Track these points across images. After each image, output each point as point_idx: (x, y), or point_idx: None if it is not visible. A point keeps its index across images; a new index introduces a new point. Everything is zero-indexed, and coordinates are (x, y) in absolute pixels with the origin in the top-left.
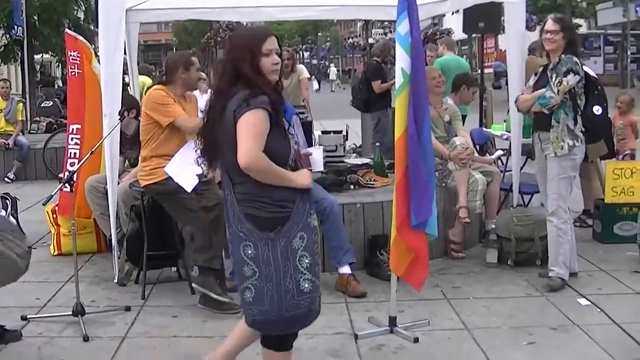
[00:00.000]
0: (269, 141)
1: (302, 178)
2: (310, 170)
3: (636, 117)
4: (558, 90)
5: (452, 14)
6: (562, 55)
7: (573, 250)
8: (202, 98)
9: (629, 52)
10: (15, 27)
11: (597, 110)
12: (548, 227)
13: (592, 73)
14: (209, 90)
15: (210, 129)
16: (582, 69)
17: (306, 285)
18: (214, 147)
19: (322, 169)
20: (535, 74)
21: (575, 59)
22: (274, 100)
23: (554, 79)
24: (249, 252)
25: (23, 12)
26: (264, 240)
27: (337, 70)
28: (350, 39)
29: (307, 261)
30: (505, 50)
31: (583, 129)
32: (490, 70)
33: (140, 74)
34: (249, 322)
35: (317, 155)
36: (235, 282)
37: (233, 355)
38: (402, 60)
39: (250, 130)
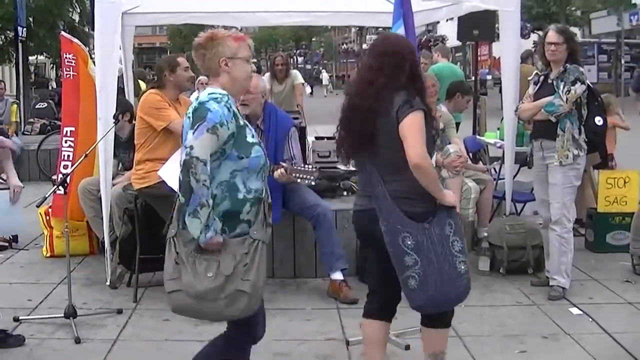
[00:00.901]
0: None
1: (449, 196)
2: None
3: (616, 120)
4: (567, 99)
5: (447, 21)
6: (568, 65)
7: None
8: None
9: (622, 61)
10: (20, 28)
11: (598, 121)
12: (550, 235)
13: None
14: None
15: (360, 126)
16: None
17: (462, 267)
18: (361, 143)
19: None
20: (535, 83)
21: (580, 68)
22: (425, 102)
23: (562, 87)
24: (409, 242)
25: (24, 12)
26: (420, 231)
27: (330, 76)
28: (344, 44)
29: (458, 245)
30: (499, 58)
31: (586, 139)
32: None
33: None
34: (414, 306)
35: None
36: None
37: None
38: None
39: (417, 131)
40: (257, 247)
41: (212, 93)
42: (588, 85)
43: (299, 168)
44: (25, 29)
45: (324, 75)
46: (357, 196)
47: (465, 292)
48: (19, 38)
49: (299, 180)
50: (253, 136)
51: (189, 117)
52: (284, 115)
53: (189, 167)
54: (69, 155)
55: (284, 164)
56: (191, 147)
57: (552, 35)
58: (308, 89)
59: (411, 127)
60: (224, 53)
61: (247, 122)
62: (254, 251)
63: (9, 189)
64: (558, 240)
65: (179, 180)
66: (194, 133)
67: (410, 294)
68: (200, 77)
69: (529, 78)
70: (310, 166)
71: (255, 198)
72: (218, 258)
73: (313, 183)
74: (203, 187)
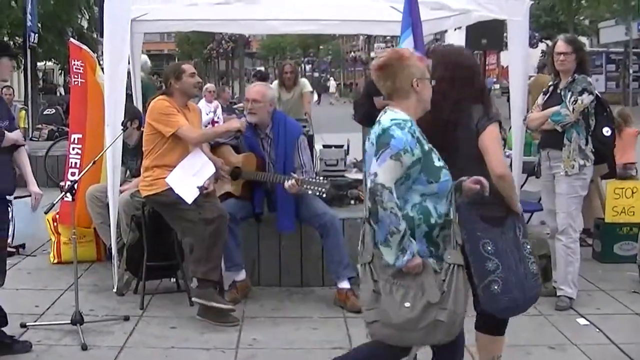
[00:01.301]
0: None
1: (517, 205)
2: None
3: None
4: (573, 109)
5: (455, 30)
6: (576, 75)
7: None
8: (210, 107)
9: (631, 70)
10: (32, 34)
11: (606, 131)
12: (557, 245)
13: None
14: (214, 101)
15: (441, 139)
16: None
17: (534, 267)
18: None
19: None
20: (545, 93)
21: (589, 79)
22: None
23: (569, 97)
24: (489, 248)
25: (36, 18)
26: (499, 236)
27: (338, 84)
28: (352, 52)
29: (528, 247)
30: (507, 67)
31: (593, 149)
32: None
33: None
34: (497, 310)
35: None
36: (234, 294)
37: None
38: None
39: (497, 142)
40: (453, 272)
41: (395, 119)
42: (597, 95)
43: (311, 180)
44: (37, 34)
45: (332, 83)
46: None
47: (539, 292)
48: (29, 44)
49: (309, 192)
50: (439, 159)
51: (372, 143)
52: (293, 123)
53: (375, 194)
54: (76, 163)
55: (295, 175)
56: (375, 175)
57: (560, 45)
58: (315, 97)
59: (491, 139)
60: (415, 74)
61: (432, 147)
62: (450, 276)
63: (29, 195)
64: (564, 250)
65: (368, 207)
66: (377, 160)
67: (493, 298)
68: (207, 85)
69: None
70: (322, 178)
71: (445, 221)
72: (415, 284)
73: (324, 195)
74: (391, 215)
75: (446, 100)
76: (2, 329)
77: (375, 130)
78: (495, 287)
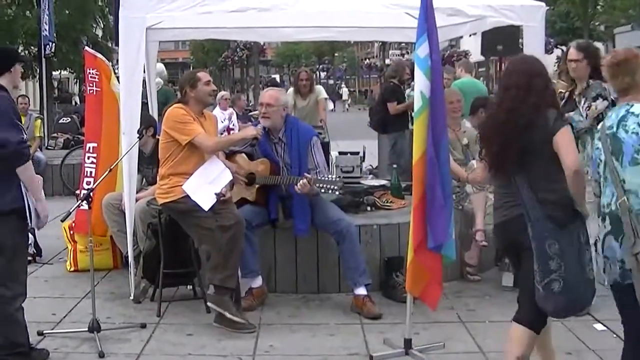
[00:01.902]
0: None
1: (585, 206)
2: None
3: None
4: (587, 115)
5: (470, 36)
6: (591, 81)
7: None
8: (225, 114)
9: None
10: (50, 43)
11: None
12: None
13: None
14: (229, 109)
15: (520, 142)
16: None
17: (592, 275)
18: (519, 156)
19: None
20: (561, 99)
21: (604, 84)
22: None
23: (582, 103)
24: (554, 248)
25: (53, 27)
26: (566, 237)
27: (352, 91)
28: (367, 59)
29: (589, 252)
30: None
31: None
32: None
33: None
34: (554, 309)
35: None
36: (251, 301)
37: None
38: (421, 84)
39: (571, 142)
40: None
41: None
42: (612, 100)
43: (323, 178)
44: (54, 44)
45: (344, 90)
46: (498, 208)
47: (592, 299)
48: (45, 54)
49: (322, 191)
50: None
51: (637, 133)
52: (306, 126)
53: None
54: (91, 172)
55: (307, 175)
56: None
57: (572, 53)
58: (330, 105)
59: (566, 139)
60: None
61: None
62: None
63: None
64: None
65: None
66: None
67: (552, 297)
68: (222, 93)
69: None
70: (333, 176)
71: None
72: None
73: (337, 193)
74: None
75: (524, 104)
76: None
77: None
78: (556, 286)
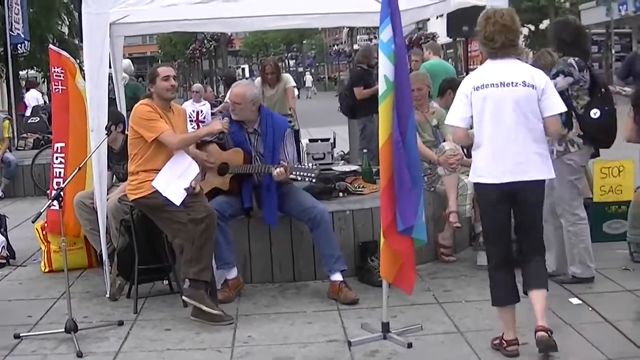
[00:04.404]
0: None
1: None
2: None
3: None
4: None
5: (437, 18)
6: (558, 58)
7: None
8: (197, 107)
9: (613, 51)
10: (26, 42)
11: (594, 113)
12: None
13: None
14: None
15: None
16: (586, 70)
17: None
18: None
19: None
20: None
21: (570, 60)
22: None
23: None
24: None
25: (27, 25)
26: None
27: (322, 78)
28: (335, 46)
29: None
30: None
31: (581, 133)
32: None
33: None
34: None
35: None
36: (227, 293)
37: None
38: (385, 67)
39: None
40: None
41: None
42: (592, 75)
43: (300, 166)
44: (29, 42)
45: (308, 78)
46: None
47: None
48: (19, 52)
49: (299, 179)
50: None
51: None
52: (280, 118)
53: None
54: (60, 172)
55: (284, 162)
56: None
57: None
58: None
59: None
60: None
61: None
62: None
63: None
64: (566, 234)
65: None
66: None
67: None
68: (194, 86)
69: None
70: (311, 164)
71: None
72: None
73: (314, 181)
74: None
75: None
76: None
77: None
78: None
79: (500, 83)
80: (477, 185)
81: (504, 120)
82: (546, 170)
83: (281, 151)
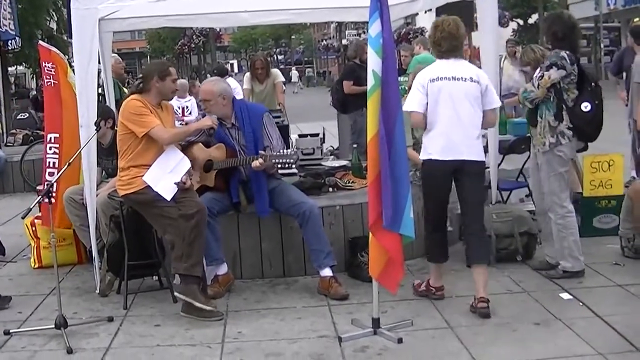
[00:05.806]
0: None
1: None
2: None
3: None
4: (538, 85)
5: (425, 12)
6: (550, 51)
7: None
8: (181, 103)
9: (602, 45)
10: (16, 38)
11: (585, 107)
12: (551, 223)
13: None
14: (189, 96)
15: None
16: (575, 64)
17: None
18: None
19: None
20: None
21: (562, 53)
22: None
23: (537, 73)
24: None
25: (17, 21)
26: None
27: (311, 74)
28: (324, 41)
29: None
30: (479, 48)
31: (571, 126)
32: None
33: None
34: None
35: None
36: (217, 289)
37: None
38: (373, 62)
39: None
40: None
41: None
42: (581, 69)
43: (277, 153)
44: (20, 39)
45: (294, 73)
46: None
47: None
48: (10, 49)
49: (279, 166)
50: None
51: None
52: (255, 106)
53: None
54: (54, 163)
55: (261, 152)
56: None
57: None
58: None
59: None
60: None
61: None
62: None
63: None
64: (555, 227)
65: None
66: None
67: None
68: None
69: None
70: (289, 150)
71: None
72: None
73: (294, 167)
74: None
75: None
76: None
77: None
78: None
79: (453, 77)
80: (426, 161)
81: (455, 108)
82: (482, 154)
83: (264, 137)
